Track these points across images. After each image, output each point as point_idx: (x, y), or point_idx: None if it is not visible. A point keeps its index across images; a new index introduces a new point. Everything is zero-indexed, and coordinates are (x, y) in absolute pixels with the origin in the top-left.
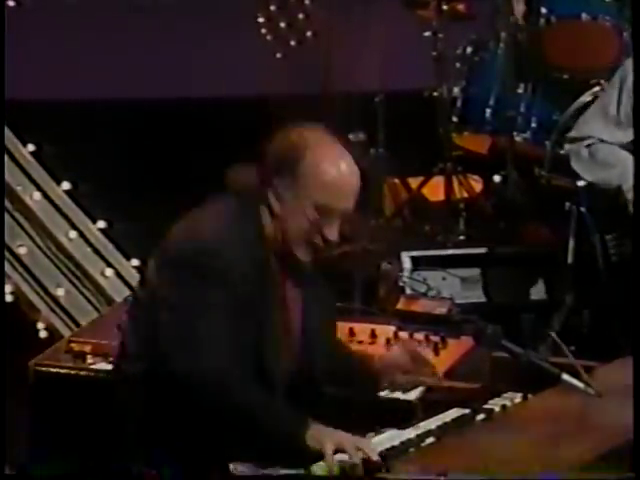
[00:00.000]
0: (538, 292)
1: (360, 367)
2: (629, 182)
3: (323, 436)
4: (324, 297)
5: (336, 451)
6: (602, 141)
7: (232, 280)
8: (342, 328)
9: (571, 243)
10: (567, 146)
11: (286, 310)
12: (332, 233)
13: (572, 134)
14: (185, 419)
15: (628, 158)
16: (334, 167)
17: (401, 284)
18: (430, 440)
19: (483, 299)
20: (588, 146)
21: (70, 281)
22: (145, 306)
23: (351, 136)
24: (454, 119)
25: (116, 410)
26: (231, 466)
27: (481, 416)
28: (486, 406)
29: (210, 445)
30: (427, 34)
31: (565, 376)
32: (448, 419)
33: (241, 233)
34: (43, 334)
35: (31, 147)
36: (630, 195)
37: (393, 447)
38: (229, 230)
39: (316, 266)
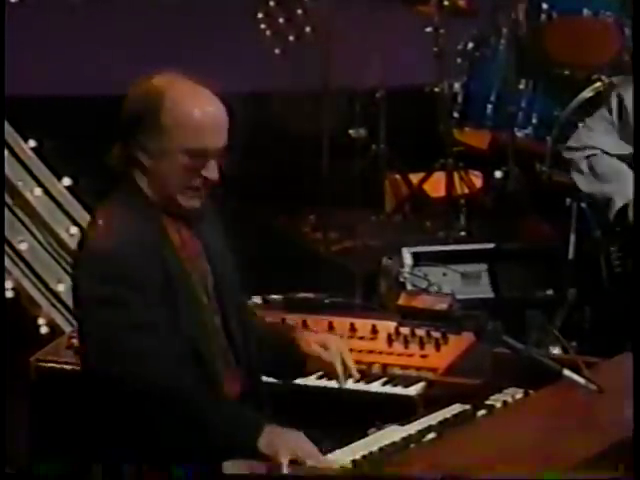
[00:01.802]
0: (539, 288)
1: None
2: (627, 197)
3: (278, 444)
4: (223, 247)
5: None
6: (604, 152)
7: (137, 278)
8: (343, 324)
9: (572, 239)
10: (566, 154)
11: (193, 279)
12: (211, 173)
13: (571, 143)
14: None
15: (628, 173)
16: (196, 108)
17: (402, 280)
18: (431, 436)
19: (484, 295)
20: (587, 157)
21: None
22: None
23: (352, 132)
24: (455, 115)
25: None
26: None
27: (482, 412)
28: (487, 402)
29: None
30: (428, 30)
31: (566, 372)
32: (449, 415)
33: (126, 223)
34: (44, 330)
35: (32, 143)
36: (630, 212)
37: (394, 443)
38: (113, 227)
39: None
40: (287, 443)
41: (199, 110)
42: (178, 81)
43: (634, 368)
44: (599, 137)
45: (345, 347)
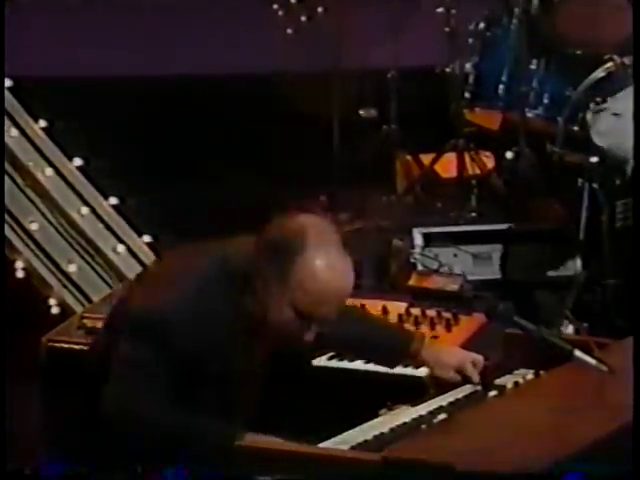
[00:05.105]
0: (551, 269)
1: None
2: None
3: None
4: None
5: None
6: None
7: (186, 354)
8: (353, 304)
9: (583, 219)
10: (590, 115)
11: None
12: (308, 336)
13: (600, 106)
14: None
15: None
16: (325, 276)
17: (413, 261)
18: (442, 417)
19: (495, 276)
20: (614, 115)
21: (82, 257)
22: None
23: (362, 112)
24: (466, 95)
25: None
26: None
27: (493, 393)
28: (498, 383)
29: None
30: (440, 10)
31: (577, 353)
32: (460, 395)
33: (211, 311)
34: (55, 310)
35: (43, 123)
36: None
37: (404, 424)
38: (198, 306)
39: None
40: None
41: (327, 279)
42: (322, 237)
43: (634, 356)
44: (623, 101)
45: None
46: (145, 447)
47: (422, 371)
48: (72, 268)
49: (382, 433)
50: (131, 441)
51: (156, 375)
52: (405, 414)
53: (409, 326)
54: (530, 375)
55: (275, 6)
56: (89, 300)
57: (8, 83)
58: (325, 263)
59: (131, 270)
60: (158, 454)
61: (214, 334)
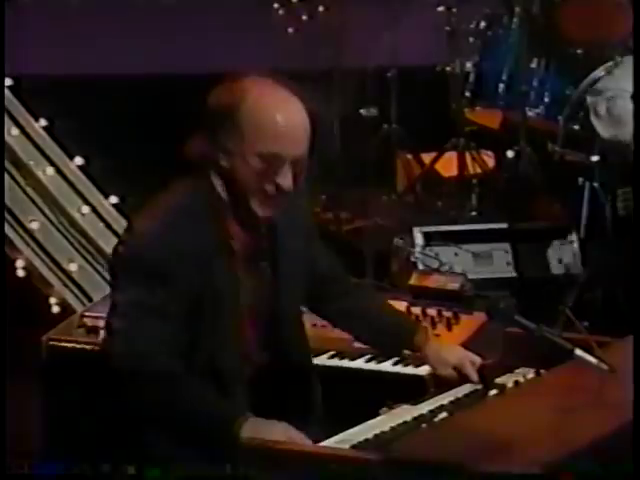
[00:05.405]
0: (551, 267)
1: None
2: None
3: (263, 432)
4: (300, 249)
5: None
6: (624, 94)
7: (173, 276)
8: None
9: (584, 218)
10: (589, 98)
11: (247, 290)
12: (284, 181)
13: (598, 86)
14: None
15: None
16: (275, 112)
17: (413, 260)
18: (443, 415)
19: (495, 274)
20: (608, 99)
21: (83, 256)
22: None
23: (363, 111)
24: (467, 94)
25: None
26: None
27: (494, 392)
28: (499, 381)
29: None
30: (441, 9)
31: (578, 351)
32: (461, 394)
33: (185, 220)
34: (56, 309)
35: (43, 122)
36: None
37: (405, 422)
38: (171, 222)
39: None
40: (273, 432)
41: (277, 115)
42: (263, 83)
43: (634, 355)
44: (622, 81)
45: (472, 356)
46: (149, 398)
47: (422, 370)
48: (73, 267)
49: (383, 432)
50: (135, 390)
51: (153, 309)
52: (406, 413)
53: None
54: (531, 374)
55: (275, 5)
56: (90, 299)
57: (8, 82)
58: (271, 100)
59: None
60: (160, 408)
61: (199, 246)
